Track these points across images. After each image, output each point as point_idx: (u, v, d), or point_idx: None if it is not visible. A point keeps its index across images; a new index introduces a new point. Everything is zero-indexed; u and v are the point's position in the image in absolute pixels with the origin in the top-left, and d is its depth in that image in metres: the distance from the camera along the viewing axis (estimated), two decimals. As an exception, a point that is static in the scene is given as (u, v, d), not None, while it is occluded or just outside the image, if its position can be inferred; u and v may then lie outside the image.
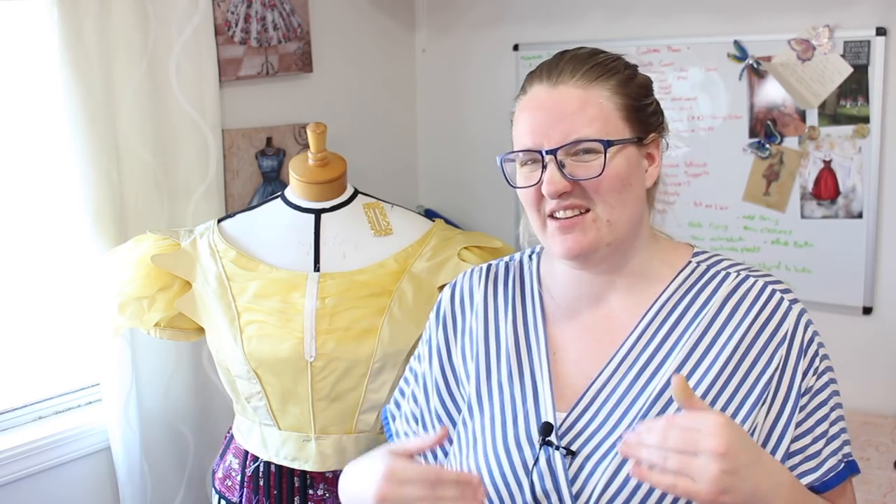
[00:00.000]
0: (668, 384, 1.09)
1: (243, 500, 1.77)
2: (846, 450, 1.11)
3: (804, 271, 2.43)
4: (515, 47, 2.87)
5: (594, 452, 1.08)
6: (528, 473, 1.10)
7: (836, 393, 1.12)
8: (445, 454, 1.23)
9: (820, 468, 1.09)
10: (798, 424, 1.09)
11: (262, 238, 1.79)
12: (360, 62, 2.88)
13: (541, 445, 1.10)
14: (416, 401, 1.28)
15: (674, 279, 1.16)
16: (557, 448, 1.09)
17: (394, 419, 1.33)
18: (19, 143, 2.15)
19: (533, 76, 1.15)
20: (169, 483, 2.34)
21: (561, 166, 1.08)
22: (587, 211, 1.10)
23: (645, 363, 1.11)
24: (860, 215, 2.33)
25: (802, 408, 1.09)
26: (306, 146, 2.41)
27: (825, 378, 1.11)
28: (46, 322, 2.23)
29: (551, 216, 1.11)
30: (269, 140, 2.55)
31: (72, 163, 2.05)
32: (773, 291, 1.13)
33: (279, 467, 1.74)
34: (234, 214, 1.86)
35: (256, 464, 1.75)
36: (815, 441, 1.09)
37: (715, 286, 1.14)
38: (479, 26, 2.95)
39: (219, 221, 1.84)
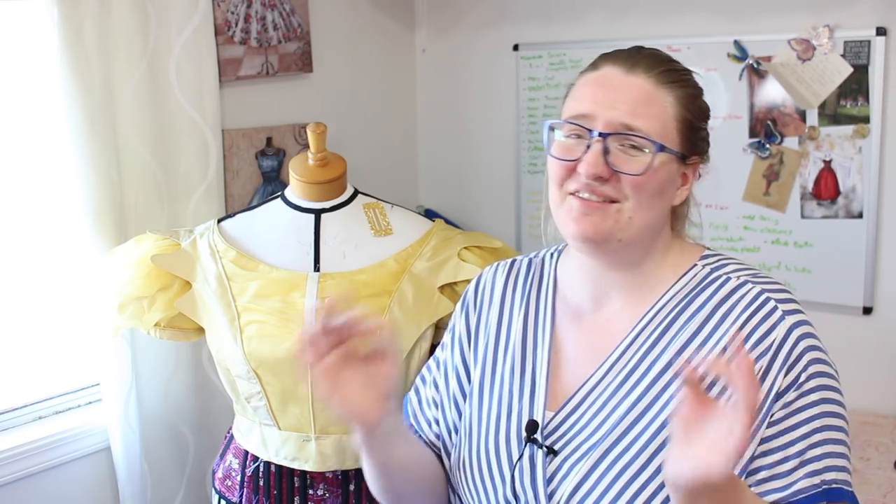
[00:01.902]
0: (648, 389, 1.08)
1: (243, 500, 1.77)
2: (831, 476, 1.02)
3: (804, 271, 2.43)
4: (515, 47, 2.87)
5: (573, 453, 1.09)
6: (512, 468, 1.11)
7: (828, 415, 1.04)
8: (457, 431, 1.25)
9: (788, 488, 1.02)
10: (766, 440, 1.03)
11: (262, 238, 1.79)
12: (360, 62, 2.88)
13: (526, 442, 1.11)
14: (436, 387, 1.30)
15: (675, 283, 1.14)
16: (541, 446, 1.10)
17: (409, 403, 1.34)
18: (19, 143, 2.15)
19: (607, 58, 1.14)
20: (169, 483, 2.34)
21: (606, 152, 1.07)
22: (613, 202, 1.09)
23: (633, 369, 1.11)
24: (860, 215, 2.33)
25: (774, 423, 1.03)
26: (306, 146, 2.41)
27: (813, 397, 1.04)
28: (46, 322, 2.23)
29: (573, 194, 1.10)
30: (269, 140, 2.55)
31: (72, 163, 2.04)
32: (768, 299, 1.08)
33: (279, 467, 1.74)
34: (234, 214, 1.86)
35: (256, 464, 1.75)
36: (785, 460, 1.02)
37: (712, 291, 1.11)
38: (479, 26, 2.95)
39: (219, 221, 1.84)
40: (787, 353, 1.05)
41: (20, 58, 2.11)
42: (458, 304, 1.32)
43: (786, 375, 1.04)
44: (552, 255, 1.27)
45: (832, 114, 2.34)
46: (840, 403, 1.07)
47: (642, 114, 1.07)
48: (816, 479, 1.02)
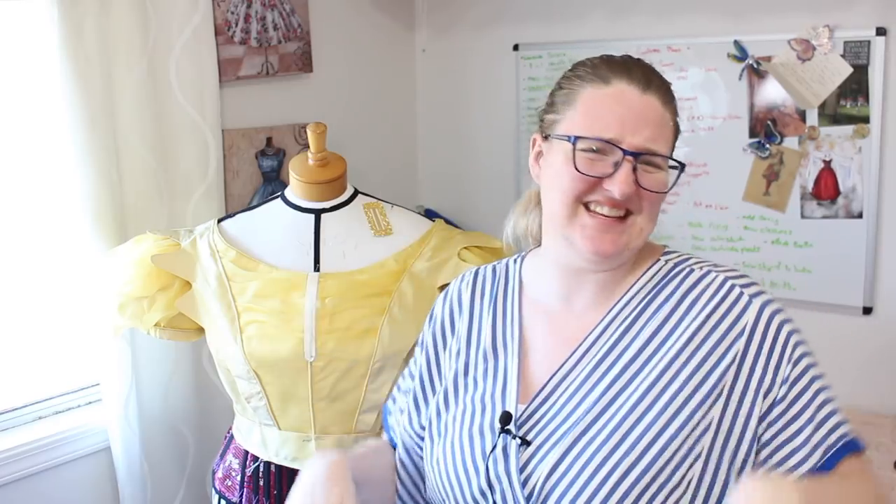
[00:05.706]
0: (618, 377, 1.12)
1: (243, 500, 1.77)
2: (842, 430, 1.09)
3: (804, 271, 2.43)
4: (515, 47, 2.87)
5: (546, 441, 1.12)
6: (486, 459, 1.14)
7: (817, 377, 1.11)
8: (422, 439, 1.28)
9: (814, 453, 1.07)
10: (772, 423, 1.09)
11: (262, 238, 1.79)
12: (360, 62, 2.88)
13: (499, 433, 1.14)
14: (408, 396, 1.34)
15: (640, 277, 1.19)
16: (514, 437, 1.13)
17: (390, 414, 1.38)
18: (19, 143, 2.15)
19: (618, 73, 1.14)
20: (169, 483, 2.34)
21: (633, 170, 1.10)
22: (628, 215, 1.13)
23: (602, 357, 1.14)
24: (860, 215, 2.33)
25: (781, 399, 1.09)
26: (306, 146, 2.41)
27: (802, 365, 1.10)
28: (46, 322, 2.23)
29: (588, 208, 1.12)
30: (269, 140, 2.55)
31: (72, 163, 2.05)
32: (733, 286, 1.13)
33: (279, 467, 1.74)
34: (234, 214, 1.86)
35: (256, 464, 1.76)
36: (802, 429, 1.08)
37: (678, 282, 1.16)
38: (479, 26, 2.95)
39: (219, 221, 1.84)
40: (762, 333, 1.10)
41: (20, 58, 2.11)
42: (427, 318, 1.35)
43: (767, 365, 1.10)
44: (515, 260, 1.31)
45: (832, 114, 2.34)
46: (816, 364, 1.13)
47: (660, 136, 1.12)
48: (834, 437, 1.08)
